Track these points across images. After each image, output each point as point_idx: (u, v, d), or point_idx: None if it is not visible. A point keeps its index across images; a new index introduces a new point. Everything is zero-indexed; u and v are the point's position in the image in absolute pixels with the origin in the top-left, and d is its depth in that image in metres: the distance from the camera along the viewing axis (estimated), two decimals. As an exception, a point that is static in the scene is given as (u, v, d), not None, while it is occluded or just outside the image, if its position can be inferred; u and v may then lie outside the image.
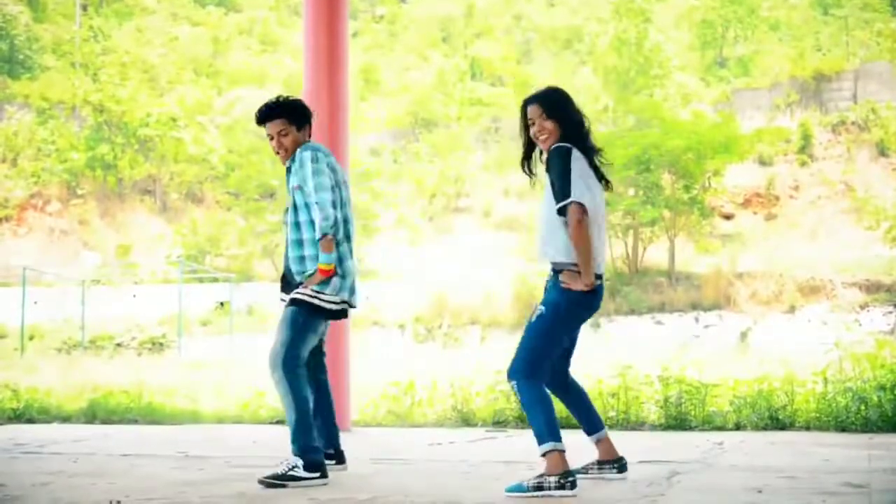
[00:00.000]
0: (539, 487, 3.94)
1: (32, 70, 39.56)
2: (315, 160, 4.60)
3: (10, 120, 34.01)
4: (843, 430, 6.74)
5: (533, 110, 4.25)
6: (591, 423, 4.40)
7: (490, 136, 36.25)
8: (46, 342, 21.91)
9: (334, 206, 4.57)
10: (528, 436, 6.82)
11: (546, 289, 4.17)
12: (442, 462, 5.35)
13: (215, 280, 26.01)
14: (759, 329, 20.54)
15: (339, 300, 4.67)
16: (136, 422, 8.80)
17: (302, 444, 4.49)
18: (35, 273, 25.26)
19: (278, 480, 4.39)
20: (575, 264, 4.06)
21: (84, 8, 43.00)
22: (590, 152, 4.23)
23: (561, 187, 4.06)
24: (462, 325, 22.52)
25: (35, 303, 23.29)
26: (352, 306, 4.78)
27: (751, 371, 8.36)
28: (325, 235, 4.53)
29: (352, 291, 4.73)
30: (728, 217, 27.98)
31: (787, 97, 32.38)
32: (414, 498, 3.97)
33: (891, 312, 20.26)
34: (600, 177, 4.25)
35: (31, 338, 22.04)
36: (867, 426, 6.68)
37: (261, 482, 4.40)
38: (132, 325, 22.72)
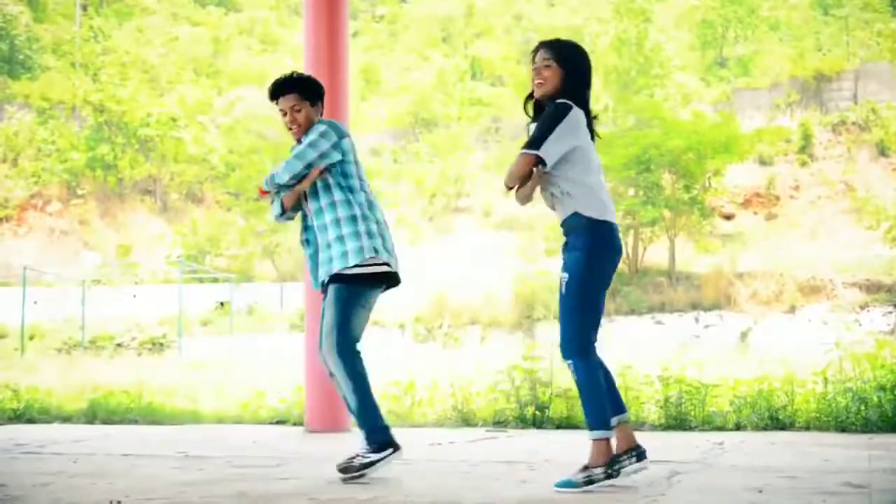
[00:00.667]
0: (589, 481, 3.98)
1: (32, 70, 39.56)
2: (324, 135, 4.52)
3: (11, 120, 34.04)
4: (843, 430, 6.73)
5: (541, 55, 4.09)
6: (615, 403, 4.25)
7: (490, 136, 36.25)
8: (47, 342, 21.92)
9: (294, 179, 4.50)
10: (528, 436, 6.86)
11: (563, 254, 4.09)
12: (442, 462, 5.34)
13: (215, 280, 26.02)
14: (760, 329, 20.54)
15: (378, 262, 4.52)
16: (136, 422, 8.79)
17: (369, 426, 4.45)
18: (35, 273, 25.27)
19: (356, 472, 4.40)
20: (589, 218, 3.99)
21: (84, 8, 43.00)
22: (588, 113, 4.11)
23: (538, 137, 3.93)
24: (462, 325, 22.52)
25: (35, 303, 23.30)
26: (392, 269, 4.60)
27: (751, 371, 8.35)
28: (266, 185, 4.53)
29: (388, 252, 4.59)
30: (728, 217, 27.97)
31: (787, 97, 32.38)
32: (414, 498, 3.96)
33: (891, 312, 20.26)
34: (593, 134, 4.16)
35: (31, 338, 22.06)
36: (867, 426, 6.67)
37: (342, 479, 4.40)
38: (132, 325, 22.73)
